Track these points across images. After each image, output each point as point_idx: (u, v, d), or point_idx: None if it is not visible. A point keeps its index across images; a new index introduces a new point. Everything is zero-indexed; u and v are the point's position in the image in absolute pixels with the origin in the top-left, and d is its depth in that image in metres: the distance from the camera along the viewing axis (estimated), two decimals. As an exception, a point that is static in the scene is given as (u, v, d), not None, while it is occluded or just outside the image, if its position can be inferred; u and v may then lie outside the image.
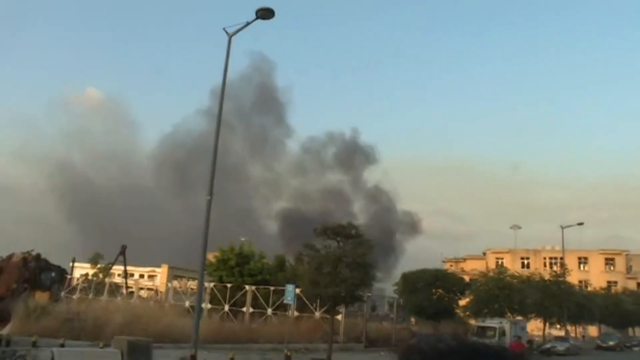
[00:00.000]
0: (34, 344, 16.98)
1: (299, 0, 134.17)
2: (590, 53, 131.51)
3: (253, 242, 40.45)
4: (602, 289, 61.03)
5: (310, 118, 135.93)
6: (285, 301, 26.55)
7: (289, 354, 19.65)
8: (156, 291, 56.41)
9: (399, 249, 77.97)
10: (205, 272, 39.02)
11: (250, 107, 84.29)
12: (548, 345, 40.17)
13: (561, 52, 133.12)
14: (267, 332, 29.73)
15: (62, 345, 16.18)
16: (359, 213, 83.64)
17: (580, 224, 51.82)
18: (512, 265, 73.40)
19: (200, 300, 19.25)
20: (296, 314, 34.03)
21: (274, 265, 38.50)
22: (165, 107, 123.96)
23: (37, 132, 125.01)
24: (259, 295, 34.57)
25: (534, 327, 50.05)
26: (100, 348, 15.87)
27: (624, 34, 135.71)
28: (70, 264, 50.30)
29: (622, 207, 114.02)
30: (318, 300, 29.64)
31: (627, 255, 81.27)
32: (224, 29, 18.32)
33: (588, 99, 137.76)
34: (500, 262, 79.77)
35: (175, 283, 55.35)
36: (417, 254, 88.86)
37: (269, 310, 33.68)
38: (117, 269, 53.78)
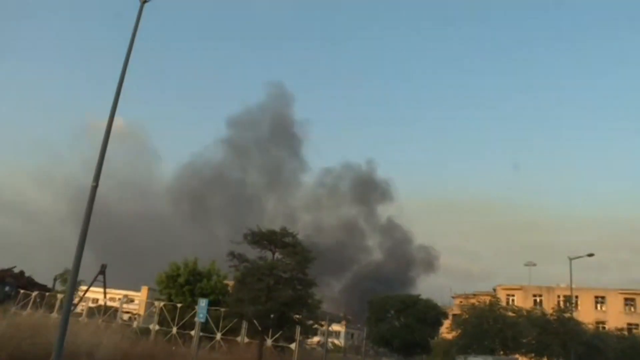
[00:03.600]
0: None
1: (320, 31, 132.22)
2: (612, 93, 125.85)
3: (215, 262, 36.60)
4: (618, 329, 54.77)
5: (327, 148, 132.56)
6: (196, 319, 22.56)
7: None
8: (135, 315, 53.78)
9: (412, 284, 73.31)
10: (156, 290, 35.90)
11: (267, 140, 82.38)
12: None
13: (586, 90, 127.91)
14: (201, 357, 25.62)
15: None
16: (374, 248, 79.95)
17: (591, 255, 46.29)
18: (524, 303, 67.69)
19: (67, 312, 15.63)
20: (247, 340, 30.03)
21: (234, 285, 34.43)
22: (184, 136, 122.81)
23: (57, 158, 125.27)
24: (209, 317, 30.55)
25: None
26: None
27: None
28: (53, 282, 50.07)
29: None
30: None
31: (649, 296, 74.46)
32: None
33: (611, 140, 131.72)
34: (511, 300, 73.95)
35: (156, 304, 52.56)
36: (430, 290, 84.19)
37: (218, 335, 29.65)
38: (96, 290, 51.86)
